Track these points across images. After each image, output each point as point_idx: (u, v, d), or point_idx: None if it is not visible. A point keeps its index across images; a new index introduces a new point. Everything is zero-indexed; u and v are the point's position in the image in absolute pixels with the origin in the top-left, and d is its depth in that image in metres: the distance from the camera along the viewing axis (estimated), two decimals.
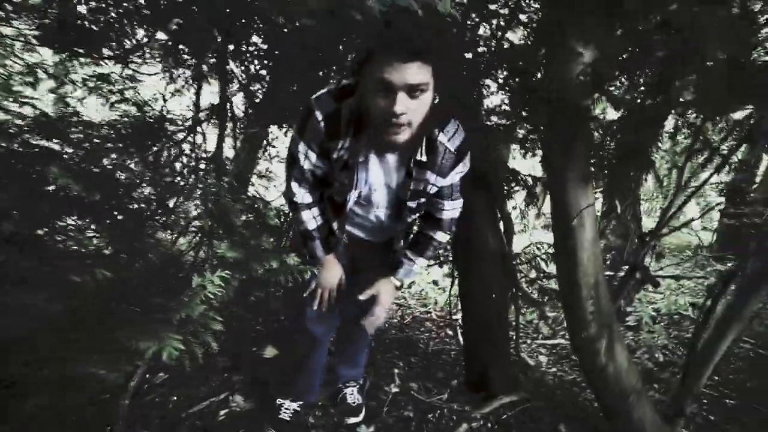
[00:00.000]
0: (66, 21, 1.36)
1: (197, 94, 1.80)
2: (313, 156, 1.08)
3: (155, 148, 1.59)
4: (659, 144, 1.51)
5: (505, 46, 1.49)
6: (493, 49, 1.48)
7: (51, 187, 1.06)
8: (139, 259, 0.90)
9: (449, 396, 1.76)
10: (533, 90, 1.31)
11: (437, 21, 0.85)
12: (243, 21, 1.42)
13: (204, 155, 1.79)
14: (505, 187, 1.70)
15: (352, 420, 1.55)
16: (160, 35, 1.63)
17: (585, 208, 1.20)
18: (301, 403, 1.50)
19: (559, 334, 2.47)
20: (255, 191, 2.37)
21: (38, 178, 0.85)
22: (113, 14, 1.45)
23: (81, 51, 1.46)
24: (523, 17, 1.48)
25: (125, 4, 1.43)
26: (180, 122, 1.71)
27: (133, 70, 1.77)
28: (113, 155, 1.57)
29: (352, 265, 1.35)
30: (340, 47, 1.57)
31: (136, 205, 1.16)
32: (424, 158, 1.05)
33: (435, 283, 3.38)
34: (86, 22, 1.43)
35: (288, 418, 1.46)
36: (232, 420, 1.48)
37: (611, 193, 2.03)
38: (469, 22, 1.45)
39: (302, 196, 1.17)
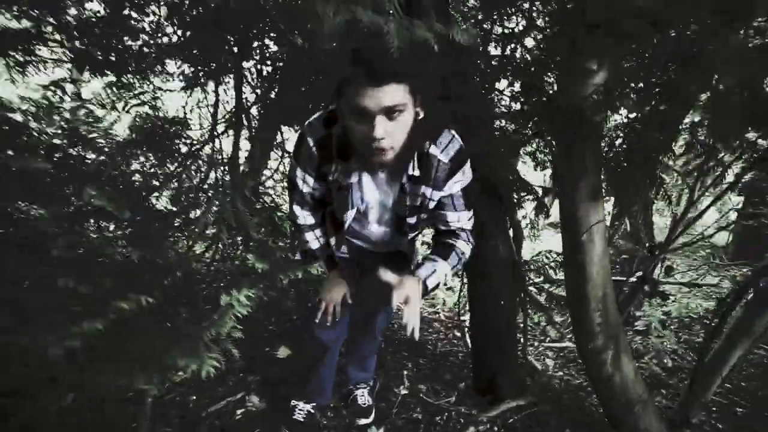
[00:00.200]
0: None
1: (215, 105, 1.85)
2: (310, 180, 1.12)
3: (175, 158, 1.64)
4: (672, 155, 1.50)
5: (517, 56, 1.49)
6: (504, 61, 1.48)
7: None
8: (168, 275, 0.95)
9: (457, 399, 1.80)
10: (544, 105, 1.32)
11: (409, 43, 0.84)
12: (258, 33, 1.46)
13: (221, 162, 1.84)
14: (515, 197, 1.72)
15: (363, 421, 1.60)
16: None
17: (595, 224, 1.22)
18: (314, 404, 1.56)
19: (566, 337, 2.48)
20: (272, 190, 2.41)
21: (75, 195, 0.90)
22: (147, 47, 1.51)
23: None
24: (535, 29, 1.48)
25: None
26: (197, 132, 1.75)
27: (155, 86, 1.83)
28: (133, 162, 1.63)
29: (359, 270, 1.39)
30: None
31: (159, 217, 1.22)
32: (417, 173, 1.04)
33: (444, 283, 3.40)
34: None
35: (302, 419, 1.52)
36: (249, 420, 1.54)
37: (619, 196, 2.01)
38: (480, 32, 1.46)
39: (305, 218, 1.22)
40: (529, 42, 1.73)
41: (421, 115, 0.97)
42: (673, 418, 1.55)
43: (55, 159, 0.97)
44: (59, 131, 1.13)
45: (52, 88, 1.45)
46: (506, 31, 1.65)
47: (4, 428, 0.99)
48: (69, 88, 1.51)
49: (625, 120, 1.70)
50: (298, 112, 1.83)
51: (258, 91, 1.92)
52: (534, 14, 1.45)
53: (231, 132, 1.85)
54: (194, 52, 1.52)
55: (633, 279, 1.90)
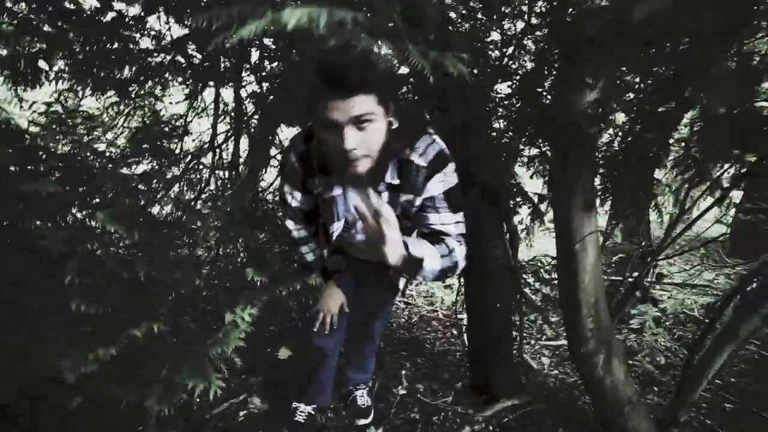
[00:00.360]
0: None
1: (215, 113, 1.86)
2: (298, 195, 1.15)
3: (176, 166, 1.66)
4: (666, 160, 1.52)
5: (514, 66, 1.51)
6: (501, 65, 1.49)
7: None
8: (171, 292, 0.98)
9: (453, 398, 1.85)
10: (539, 115, 1.33)
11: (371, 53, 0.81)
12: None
13: (223, 167, 1.86)
14: (512, 202, 1.75)
15: (362, 422, 1.66)
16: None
17: (588, 234, 1.25)
18: (315, 406, 1.61)
19: (561, 336, 2.52)
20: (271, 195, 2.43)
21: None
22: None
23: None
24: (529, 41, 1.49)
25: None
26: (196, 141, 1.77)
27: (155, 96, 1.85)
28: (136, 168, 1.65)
29: (354, 273, 1.41)
30: None
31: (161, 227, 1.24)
32: (396, 181, 1.04)
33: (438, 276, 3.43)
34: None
35: (303, 421, 1.57)
36: (251, 421, 1.59)
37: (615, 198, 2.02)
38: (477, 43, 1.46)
39: (298, 232, 1.25)
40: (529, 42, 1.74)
41: (395, 125, 0.96)
42: (662, 417, 1.60)
43: (64, 179, 0.99)
44: (69, 148, 1.15)
45: (55, 105, 1.46)
46: (504, 36, 1.66)
47: (13, 430, 1.03)
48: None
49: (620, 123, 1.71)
50: (297, 114, 1.84)
51: (257, 96, 1.93)
52: (532, 22, 1.46)
53: (231, 140, 1.87)
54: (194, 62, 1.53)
55: (628, 280, 1.94)
